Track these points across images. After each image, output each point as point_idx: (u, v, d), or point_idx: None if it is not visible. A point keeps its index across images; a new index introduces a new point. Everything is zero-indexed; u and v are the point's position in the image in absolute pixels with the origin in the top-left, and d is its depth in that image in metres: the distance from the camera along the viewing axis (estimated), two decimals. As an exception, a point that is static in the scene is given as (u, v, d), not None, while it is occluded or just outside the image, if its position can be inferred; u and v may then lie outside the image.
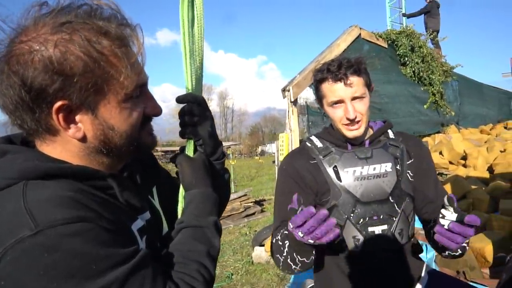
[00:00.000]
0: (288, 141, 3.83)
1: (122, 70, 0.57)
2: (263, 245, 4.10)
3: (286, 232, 1.02)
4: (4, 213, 0.50)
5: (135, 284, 0.53)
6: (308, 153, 1.22)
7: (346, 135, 1.16)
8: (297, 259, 1.02)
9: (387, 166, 1.13)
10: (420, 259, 1.27)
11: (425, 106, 6.43)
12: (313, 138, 1.26)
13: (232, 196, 6.55)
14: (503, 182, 3.76)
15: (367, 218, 1.12)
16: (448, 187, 3.79)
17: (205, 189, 0.72)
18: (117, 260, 0.52)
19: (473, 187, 3.78)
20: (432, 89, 6.43)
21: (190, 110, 0.74)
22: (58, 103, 0.54)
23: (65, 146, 0.60)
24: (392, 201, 1.13)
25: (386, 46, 5.92)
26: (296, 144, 3.71)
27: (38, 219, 0.48)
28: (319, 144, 1.22)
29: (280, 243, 1.07)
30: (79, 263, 0.48)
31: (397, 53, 6.10)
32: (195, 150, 0.78)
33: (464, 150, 5.04)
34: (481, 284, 2.42)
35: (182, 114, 0.75)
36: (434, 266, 2.71)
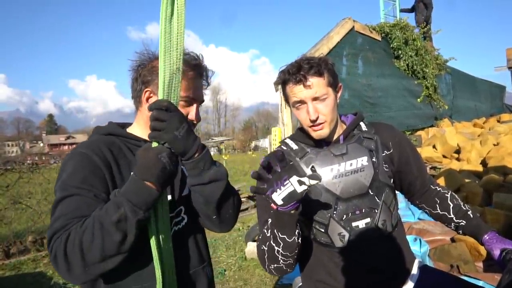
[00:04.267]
0: (281, 136, 3.77)
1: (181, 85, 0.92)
2: (256, 241, 4.05)
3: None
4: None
5: (71, 203, 0.86)
6: None
7: (313, 136, 1.17)
8: (278, 236, 1.01)
9: (363, 160, 1.15)
10: (411, 254, 1.25)
11: (418, 100, 6.41)
12: (288, 141, 1.26)
13: (225, 191, 6.48)
14: (497, 175, 3.76)
15: (350, 214, 1.12)
16: (441, 181, 3.78)
17: (138, 184, 0.82)
18: (77, 184, 0.88)
19: (466, 180, 3.78)
20: (426, 82, 6.41)
21: (156, 117, 0.82)
22: (148, 89, 1.01)
23: (142, 116, 1.05)
24: (372, 193, 1.14)
25: (380, 39, 5.87)
26: (289, 138, 3.65)
27: (79, 145, 0.98)
28: (294, 146, 1.22)
29: (265, 231, 1.07)
30: (68, 169, 0.91)
31: (391, 46, 6.05)
32: None
33: (457, 144, 5.04)
34: (475, 278, 2.40)
35: (151, 119, 0.83)
36: (427, 260, 2.69)
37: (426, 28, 7.16)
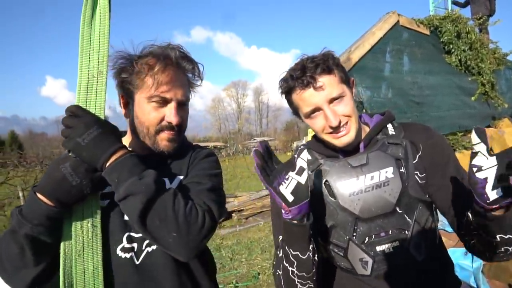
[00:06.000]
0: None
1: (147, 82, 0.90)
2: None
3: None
4: None
5: None
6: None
7: (336, 144, 0.99)
8: (290, 253, 0.88)
9: (387, 172, 0.95)
10: (455, 280, 1.06)
11: (472, 98, 5.87)
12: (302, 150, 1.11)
13: (263, 193, 6.42)
14: None
15: (373, 236, 0.94)
16: (499, 188, 3.40)
17: (33, 201, 0.75)
18: None
19: (529, 188, 3.35)
20: (482, 79, 5.85)
21: (64, 123, 0.78)
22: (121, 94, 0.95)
23: (129, 123, 0.98)
24: (400, 211, 0.94)
25: (428, 33, 5.45)
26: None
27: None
28: (307, 156, 1.05)
29: (278, 253, 0.95)
30: None
31: (441, 40, 5.59)
32: None
33: (518, 146, 4.53)
34: (539, 301, 2.10)
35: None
36: (480, 277, 2.40)
37: (481, 20, 6.55)
